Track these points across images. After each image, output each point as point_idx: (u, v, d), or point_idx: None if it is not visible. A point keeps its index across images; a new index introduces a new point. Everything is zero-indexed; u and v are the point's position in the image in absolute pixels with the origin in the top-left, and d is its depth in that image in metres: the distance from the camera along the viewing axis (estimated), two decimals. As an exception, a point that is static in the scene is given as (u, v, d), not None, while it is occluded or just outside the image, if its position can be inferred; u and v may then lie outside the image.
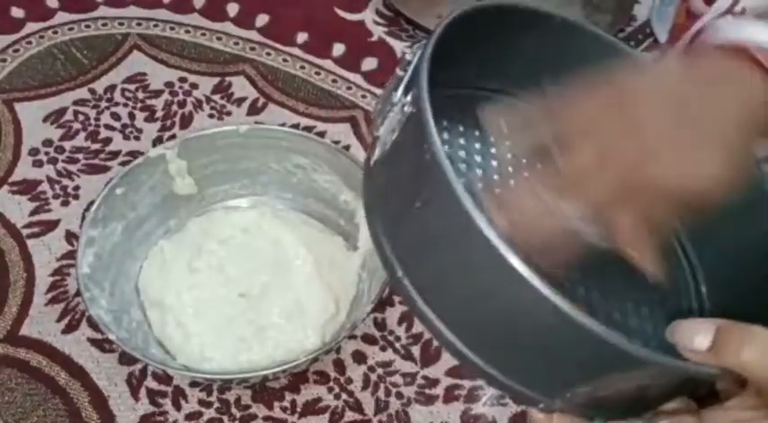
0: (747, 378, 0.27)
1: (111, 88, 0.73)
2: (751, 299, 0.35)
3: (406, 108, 0.31)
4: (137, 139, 0.69)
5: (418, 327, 0.57)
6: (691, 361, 0.28)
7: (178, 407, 0.52)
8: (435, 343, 0.56)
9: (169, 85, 0.74)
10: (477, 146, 0.40)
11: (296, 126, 0.70)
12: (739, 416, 0.28)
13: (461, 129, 0.40)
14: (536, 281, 0.26)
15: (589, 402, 0.29)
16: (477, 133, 0.40)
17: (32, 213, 0.62)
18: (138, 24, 0.79)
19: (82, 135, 0.68)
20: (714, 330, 0.27)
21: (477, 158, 0.39)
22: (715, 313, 0.36)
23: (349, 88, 0.75)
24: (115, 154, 0.67)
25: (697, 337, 0.28)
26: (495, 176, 0.39)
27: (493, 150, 0.40)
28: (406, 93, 0.31)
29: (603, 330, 0.25)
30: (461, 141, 0.40)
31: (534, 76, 0.38)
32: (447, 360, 0.56)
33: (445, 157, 0.28)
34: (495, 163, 0.39)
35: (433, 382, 0.54)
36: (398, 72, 0.32)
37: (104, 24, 0.79)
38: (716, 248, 0.40)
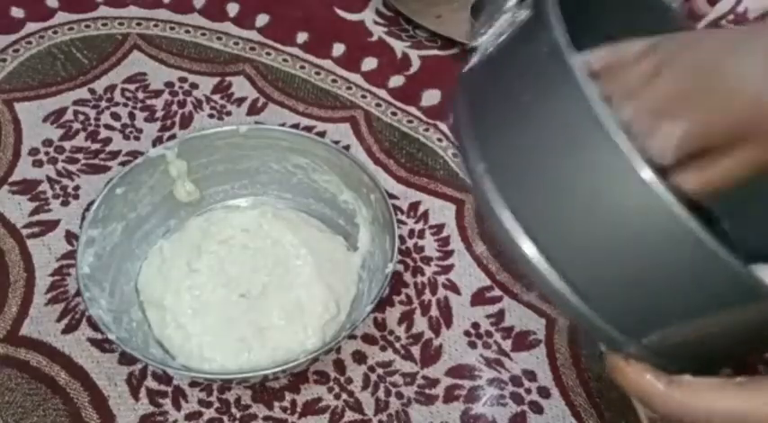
0: None
1: (111, 88, 0.73)
2: None
3: (519, 12, 0.31)
4: (137, 139, 0.69)
5: (418, 326, 0.57)
6: None
7: (178, 407, 0.52)
8: (435, 343, 0.56)
9: (169, 84, 0.74)
10: None
11: (296, 126, 0.70)
12: None
13: None
14: (663, 190, 0.24)
15: (672, 348, 0.28)
16: None
17: (32, 213, 0.62)
18: (138, 24, 0.79)
19: (82, 135, 0.68)
20: None
21: None
22: None
23: (349, 88, 0.75)
24: (115, 154, 0.67)
25: None
26: None
27: None
28: (519, 2, 0.31)
29: (726, 254, 0.24)
30: None
31: None
32: (447, 360, 0.56)
33: (568, 45, 0.27)
34: None
35: (433, 382, 0.54)
36: None
37: (104, 24, 0.79)
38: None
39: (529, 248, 0.29)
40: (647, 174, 0.25)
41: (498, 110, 0.31)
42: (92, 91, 0.72)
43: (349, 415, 0.52)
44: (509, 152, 0.30)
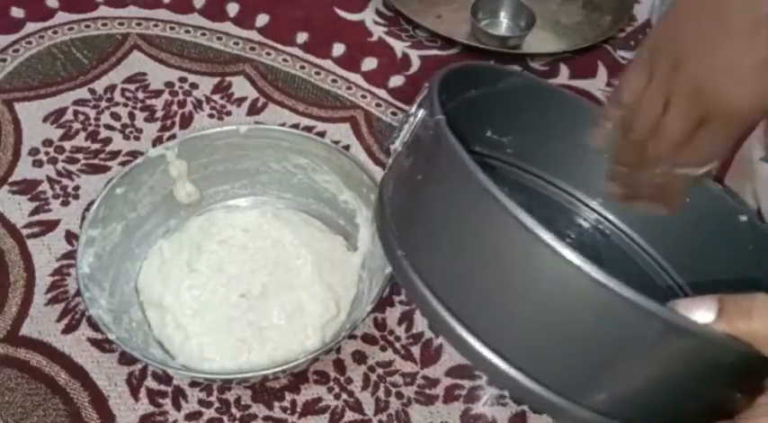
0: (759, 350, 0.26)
1: (111, 88, 0.73)
2: None
3: (419, 114, 0.33)
4: (137, 139, 0.69)
5: (418, 326, 0.57)
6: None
7: (178, 407, 0.52)
8: (435, 343, 0.56)
9: (169, 85, 0.74)
10: None
11: (296, 126, 0.70)
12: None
13: None
14: (558, 243, 0.24)
15: (619, 407, 0.28)
16: None
17: (32, 213, 0.62)
18: (138, 24, 0.79)
19: (82, 135, 0.68)
20: (717, 302, 0.26)
21: None
22: None
23: (349, 88, 0.75)
24: (115, 154, 0.67)
25: (699, 310, 0.26)
26: None
27: None
28: (419, 107, 0.33)
29: (633, 294, 0.24)
30: None
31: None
32: (447, 360, 0.56)
33: (448, 129, 0.29)
34: None
35: (433, 382, 0.54)
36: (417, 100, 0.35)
37: (104, 24, 0.79)
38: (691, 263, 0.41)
39: (459, 328, 0.29)
40: (544, 234, 0.25)
41: (405, 199, 0.33)
42: (92, 91, 0.72)
43: (349, 415, 0.52)
44: (418, 234, 0.32)
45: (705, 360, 0.26)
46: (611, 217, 0.45)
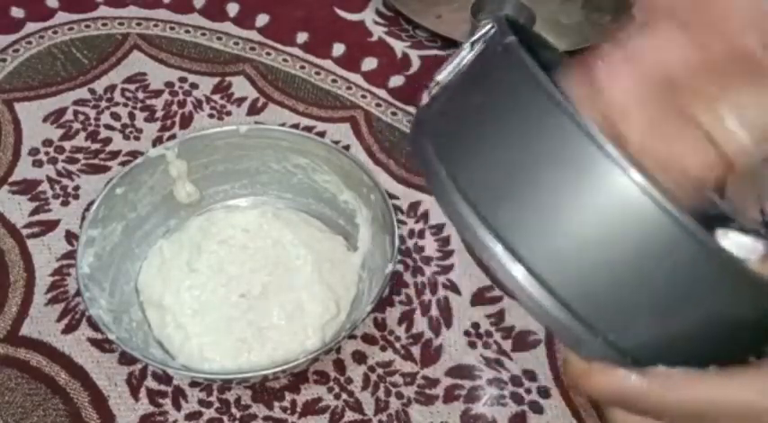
0: None
1: (111, 88, 0.73)
2: None
3: (474, 45, 0.32)
4: (137, 139, 0.69)
5: (418, 326, 0.57)
6: None
7: (178, 407, 0.52)
8: (435, 343, 0.56)
9: (169, 84, 0.74)
10: None
11: (296, 126, 0.70)
12: None
13: None
14: (629, 163, 0.24)
15: (642, 343, 0.27)
16: None
17: (32, 213, 0.62)
18: (138, 24, 0.79)
19: (82, 135, 0.68)
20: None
21: None
22: None
23: (349, 88, 0.75)
24: (115, 154, 0.67)
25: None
26: None
27: None
28: (473, 45, 0.32)
29: (697, 228, 0.23)
30: None
31: None
32: (447, 360, 0.56)
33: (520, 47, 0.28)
34: None
35: (433, 382, 0.54)
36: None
37: (104, 24, 0.79)
38: None
39: (488, 239, 0.28)
40: (612, 153, 0.24)
41: (462, 124, 0.31)
42: (92, 91, 0.72)
43: (349, 415, 0.52)
44: (472, 158, 0.30)
45: (756, 306, 0.25)
46: None
